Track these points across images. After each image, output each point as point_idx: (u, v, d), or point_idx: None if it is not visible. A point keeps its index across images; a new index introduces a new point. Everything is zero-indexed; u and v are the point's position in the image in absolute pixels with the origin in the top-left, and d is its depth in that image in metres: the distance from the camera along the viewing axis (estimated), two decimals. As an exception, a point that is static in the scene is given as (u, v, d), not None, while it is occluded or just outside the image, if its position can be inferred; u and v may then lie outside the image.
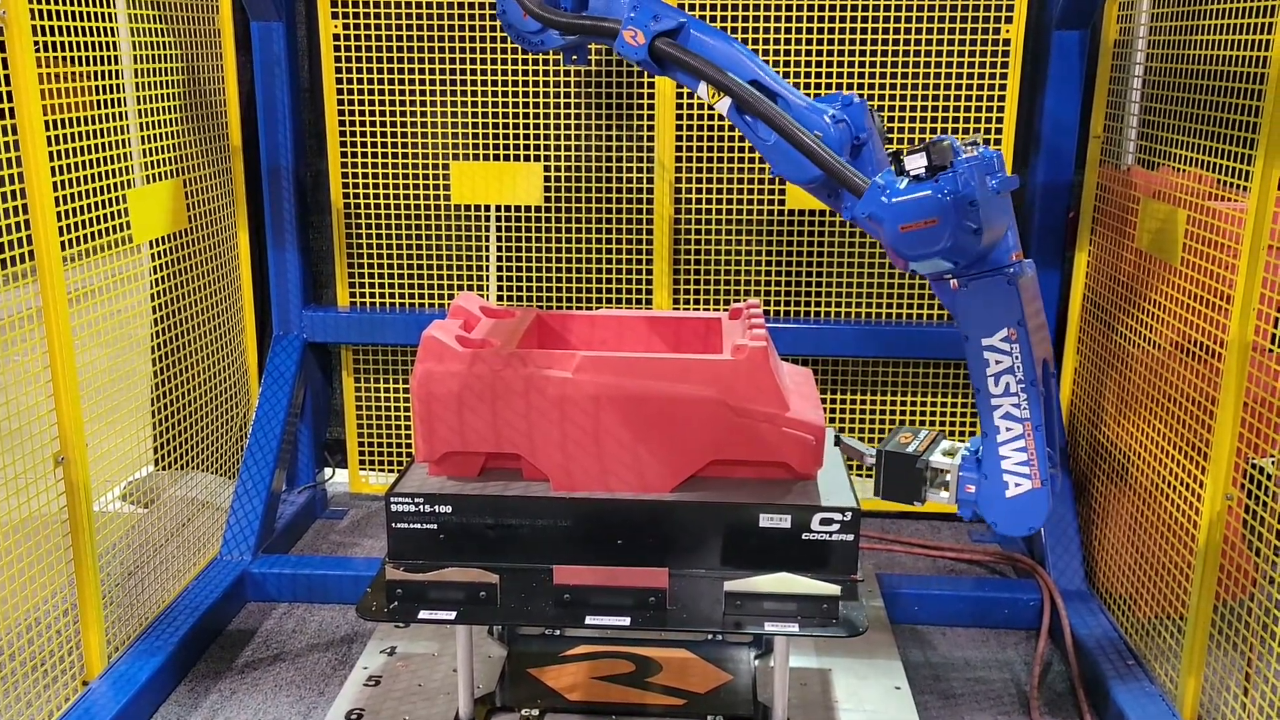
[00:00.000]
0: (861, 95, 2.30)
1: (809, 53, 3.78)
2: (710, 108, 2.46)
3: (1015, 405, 2.19)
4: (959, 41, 3.75)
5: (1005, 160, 3.80)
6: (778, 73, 3.75)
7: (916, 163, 2.07)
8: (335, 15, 3.87)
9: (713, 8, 3.77)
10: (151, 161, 3.24)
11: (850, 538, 2.37)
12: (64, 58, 2.79)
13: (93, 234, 2.87)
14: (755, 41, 3.78)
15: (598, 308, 4.01)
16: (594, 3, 2.55)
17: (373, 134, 3.98)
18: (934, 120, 3.82)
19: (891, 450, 2.43)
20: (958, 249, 2.09)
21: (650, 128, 3.90)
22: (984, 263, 2.15)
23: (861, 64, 3.78)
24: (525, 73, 3.89)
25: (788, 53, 3.78)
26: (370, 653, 2.96)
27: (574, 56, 2.88)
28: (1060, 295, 3.88)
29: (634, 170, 3.95)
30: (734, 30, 3.78)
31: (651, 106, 3.88)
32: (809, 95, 3.64)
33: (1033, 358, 2.18)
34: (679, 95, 3.84)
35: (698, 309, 4.04)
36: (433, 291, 4.12)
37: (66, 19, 2.78)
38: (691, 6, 3.77)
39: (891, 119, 3.83)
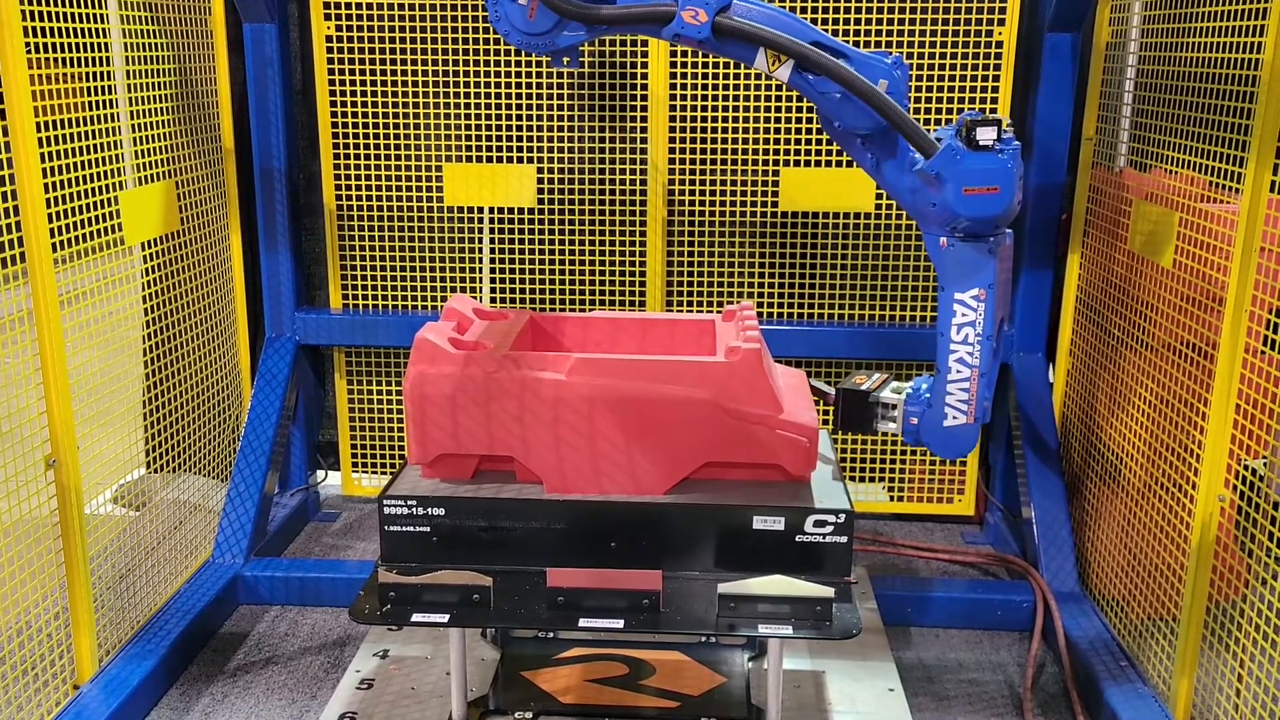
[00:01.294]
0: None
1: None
2: (767, 77, 2.64)
3: (970, 353, 2.51)
4: (951, 43, 3.76)
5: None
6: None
7: (988, 134, 2.34)
8: (328, 17, 3.87)
9: None
10: (144, 163, 3.23)
11: (844, 540, 2.37)
12: (56, 59, 2.78)
13: (85, 235, 2.86)
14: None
15: (591, 310, 4.01)
16: None
17: (365, 136, 3.97)
18: (927, 122, 3.82)
19: (847, 388, 2.73)
20: (1009, 214, 2.41)
21: (643, 130, 3.90)
22: (986, 228, 2.44)
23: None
24: (518, 74, 3.89)
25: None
26: (363, 656, 2.95)
27: (566, 59, 2.86)
28: (1053, 296, 3.88)
29: (627, 172, 3.95)
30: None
31: (644, 108, 3.88)
32: (800, 99, 3.64)
33: (994, 316, 2.49)
34: (672, 97, 3.84)
35: (691, 311, 4.04)
36: (426, 294, 4.11)
37: (58, 20, 2.77)
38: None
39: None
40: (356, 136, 3.97)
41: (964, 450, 2.63)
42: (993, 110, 3.79)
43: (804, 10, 3.73)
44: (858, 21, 3.74)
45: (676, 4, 2.42)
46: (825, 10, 3.73)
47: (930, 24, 3.75)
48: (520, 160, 3.96)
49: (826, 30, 3.72)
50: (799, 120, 3.84)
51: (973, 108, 3.79)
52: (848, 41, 3.72)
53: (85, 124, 2.89)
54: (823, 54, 2.42)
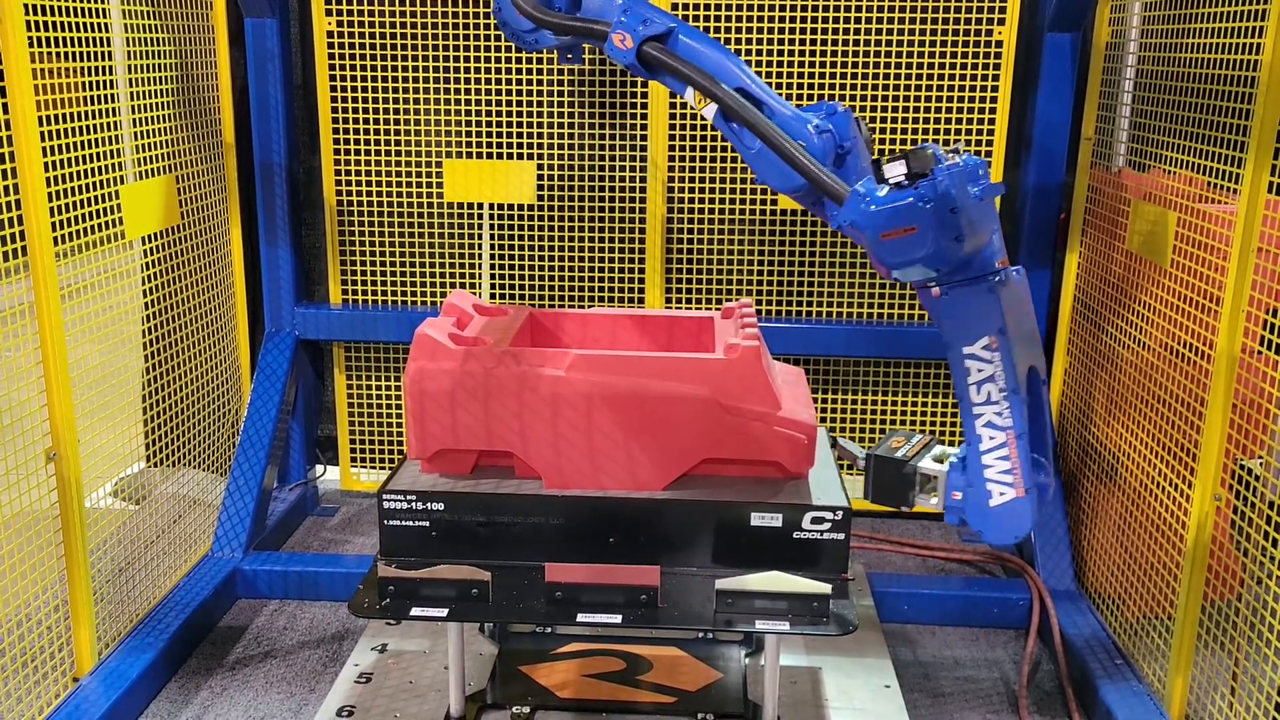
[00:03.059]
0: (849, 104, 2.27)
1: (801, 54, 3.79)
2: (698, 114, 2.46)
3: (998, 413, 2.19)
4: (951, 43, 3.77)
5: (996, 165, 3.84)
6: (770, 73, 3.79)
7: (896, 170, 2.09)
8: (329, 12, 3.87)
9: (704, 8, 3.77)
10: (144, 157, 3.23)
11: (841, 537, 2.38)
12: (58, 53, 2.79)
13: (85, 229, 2.87)
14: (747, 43, 3.79)
15: (590, 306, 4.02)
16: (588, 4, 2.55)
17: (366, 131, 3.98)
18: (926, 122, 3.83)
19: (881, 455, 2.45)
20: (938, 256, 2.09)
21: (643, 127, 3.91)
22: (967, 269, 2.15)
23: (854, 66, 3.79)
24: (519, 71, 3.89)
25: (779, 54, 3.79)
26: (361, 650, 2.96)
27: (569, 56, 2.89)
28: (1051, 297, 3.89)
29: (627, 169, 3.96)
30: (725, 33, 3.79)
31: (645, 106, 3.88)
32: (799, 98, 3.66)
33: (1014, 366, 2.18)
34: (672, 95, 3.85)
35: (690, 308, 4.05)
36: (425, 289, 4.12)
37: (60, 14, 2.77)
38: (684, 8, 3.78)
39: (884, 121, 3.84)
40: (357, 132, 3.98)
41: (1019, 532, 2.26)
42: (991, 111, 3.80)
43: (805, 13, 3.74)
44: (858, 22, 3.75)
45: (611, 25, 2.43)
46: (825, 11, 3.74)
47: (930, 24, 3.75)
48: (520, 156, 3.96)
49: (825, 33, 3.75)
50: (799, 118, 3.85)
51: (971, 109, 3.81)
52: (845, 44, 3.75)
53: (86, 118, 2.89)
54: (739, 100, 2.29)
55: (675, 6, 3.77)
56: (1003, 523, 2.25)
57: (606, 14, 2.48)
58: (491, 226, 4.05)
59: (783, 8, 3.75)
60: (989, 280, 2.16)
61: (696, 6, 3.77)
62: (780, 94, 3.78)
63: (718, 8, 3.77)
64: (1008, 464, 2.20)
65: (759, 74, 3.77)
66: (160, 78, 3.32)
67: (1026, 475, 2.20)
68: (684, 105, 3.86)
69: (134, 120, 3.19)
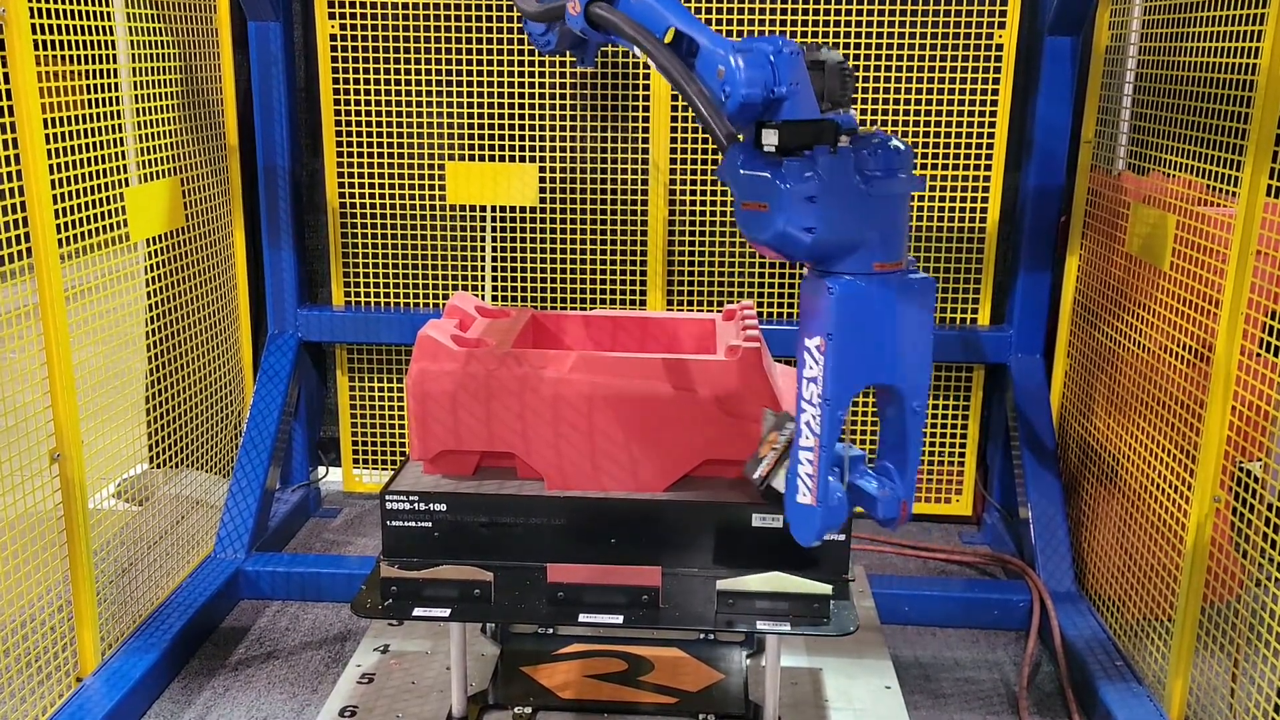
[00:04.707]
0: (804, 44, 1.96)
1: (803, 56, 3.79)
2: (645, 65, 2.35)
3: (814, 418, 1.99)
4: (952, 46, 3.78)
5: (996, 167, 3.84)
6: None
7: (769, 139, 1.87)
8: (332, 15, 3.88)
9: (705, 11, 3.79)
10: (148, 160, 3.25)
11: (842, 538, 2.39)
12: (62, 56, 2.80)
13: (90, 231, 2.88)
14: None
15: (592, 308, 4.03)
16: None
17: (369, 134, 3.99)
18: (927, 124, 3.84)
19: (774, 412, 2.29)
20: (785, 244, 1.90)
21: (645, 129, 3.92)
22: (829, 263, 1.93)
23: (855, 68, 3.80)
24: (521, 74, 3.91)
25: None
26: (363, 650, 2.97)
27: (580, 58, 2.90)
28: (1051, 298, 3.90)
29: (629, 171, 3.97)
30: (728, 36, 3.80)
31: (647, 108, 3.90)
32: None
33: (838, 378, 1.96)
34: (674, 96, 3.86)
35: (692, 310, 4.06)
36: (428, 291, 4.13)
37: (65, 18, 2.79)
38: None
39: (884, 123, 3.85)
40: (360, 134, 3.99)
41: (806, 538, 2.08)
42: (992, 114, 3.81)
43: (802, 16, 3.75)
44: (858, 24, 3.76)
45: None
46: (826, 13, 3.75)
47: (931, 27, 3.76)
48: (522, 159, 3.97)
49: (825, 36, 3.76)
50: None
51: (971, 111, 3.82)
52: (845, 47, 3.76)
53: (91, 121, 2.91)
54: (657, 45, 2.09)
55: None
56: (798, 521, 2.10)
57: None
58: (493, 229, 4.07)
59: (785, 12, 3.77)
60: (829, 281, 1.93)
61: (700, 8, 3.78)
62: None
63: (720, 12, 3.78)
64: (811, 469, 2.03)
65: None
66: (164, 81, 3.34)
67: (822, 488, 2.03)
68: (686, 107, 3.87)
69: (138, 123, 3.20)
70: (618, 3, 2.28)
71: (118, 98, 3.09)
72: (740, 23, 3.79)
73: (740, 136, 1.99)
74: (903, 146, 1.94)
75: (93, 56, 2.94)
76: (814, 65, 1.95)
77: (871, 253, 1.93)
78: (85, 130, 2.87)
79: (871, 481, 2.11)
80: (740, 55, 1.89)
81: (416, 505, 2.42)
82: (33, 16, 2.62)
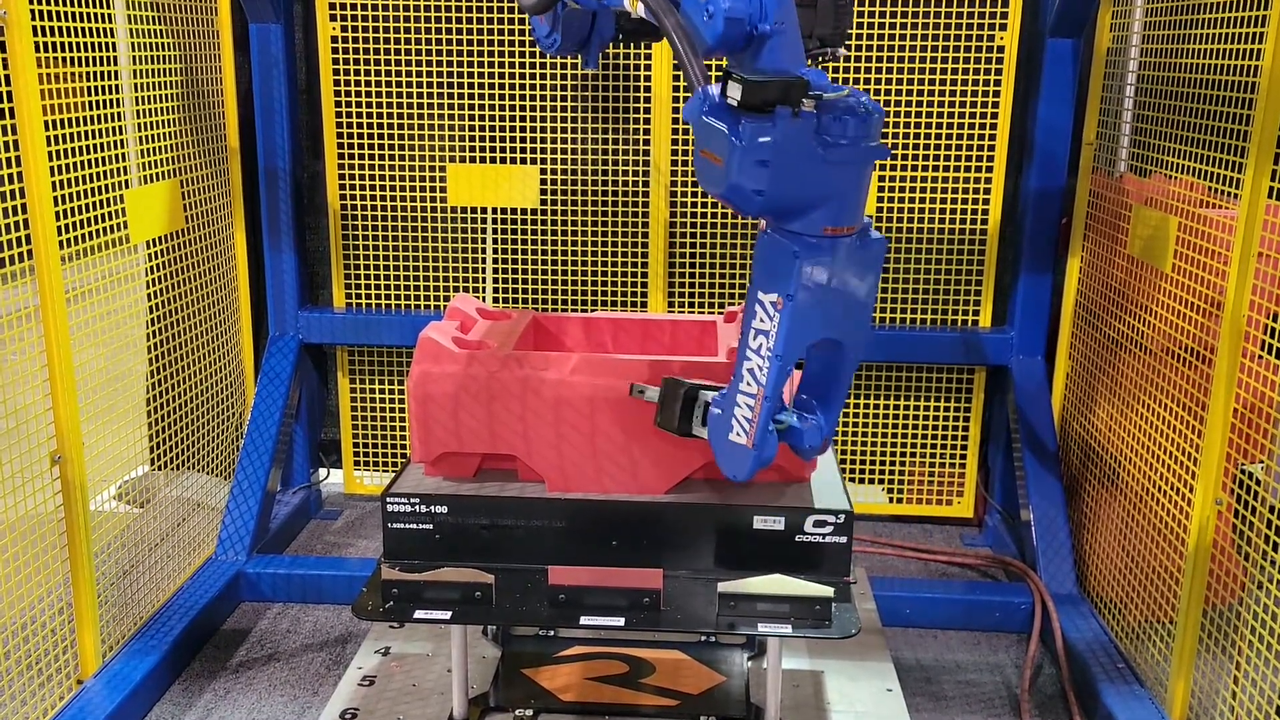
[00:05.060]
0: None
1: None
2: (639, 19, 2.26)
3: (759, 367, 2.03)
4: (953, 49, 3.78)
5: (997, 169, 3.84)
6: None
7: (733, 93, 1.82)
8: (333, 18, 3.89)
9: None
10: (149, 162, 3.25)
11: (843, 540, 2.38)
12: (63, 58, 2.80)
13: (90, 233, 2.88)
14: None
15: (593, 310, 4.03)
16: None
17: (370, 136, 3.99)
18: (928, 126, 3.84)
19: (671, 379, 2.30)
20: (735, 198, 1.89)
21: (646, 131, 3.92)
22: (782, 221, 1.93)
23: (856, 72, 3.80)
24: (522, 75, 3.91)
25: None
26: (364, 653, 2.96)
27: (585, 59, 2.89)
28: (1052, 300, 3.90)
29: (630, 173, 3.97)
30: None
31: (648, 110, 3.90)
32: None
33: (792, 335, 1.99)
34: (675, 98, 3.86)
35: (693, 312, 4.06)
36: (429, 293, 4.13)
37: (66, 20, 2.79)
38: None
39: (885, 125, 3.85)
40: (360, 136, 3.99)
41: (737, 474, 2.15)
42: (993, 116, 3.81)
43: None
44: (859, 26, 3.76)
45: None
46: (828, 14, 3.75)
47: (932, 29, 3.76)
48: (523, 161, 3.97)
49: (829, 34, 3.76)
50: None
51: (973, 113, 3.82)
52: (846, 49, 3.76)
53: (91, 122, 2.91)
54: None
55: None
56: (730, 458, 2.16)
57: None
58: (494, 230, 4.07)
59: None
60: (801, 241, 1.93)
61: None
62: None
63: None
64: (750, 414, 2.08)
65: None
66: (165, 83, 3.34)
67: (760, 434, 2.08)
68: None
69: (139, 125, 3.20)
70: None
71: (118, 99, 3.09)
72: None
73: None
74: (872, 110, 1.88)
75: (93, 58, 2.94)
76: (806, 3, 1.91)
77: (825, 216, 1.91)
78: (86, 132, 2.87)
79: (792, 416, 2.15)
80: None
81: (418, 507, 2.42)
82: (34, 18, 2.62)
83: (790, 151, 1.82)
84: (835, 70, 3.79)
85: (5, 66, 2.56)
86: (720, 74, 1.89)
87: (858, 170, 1.91)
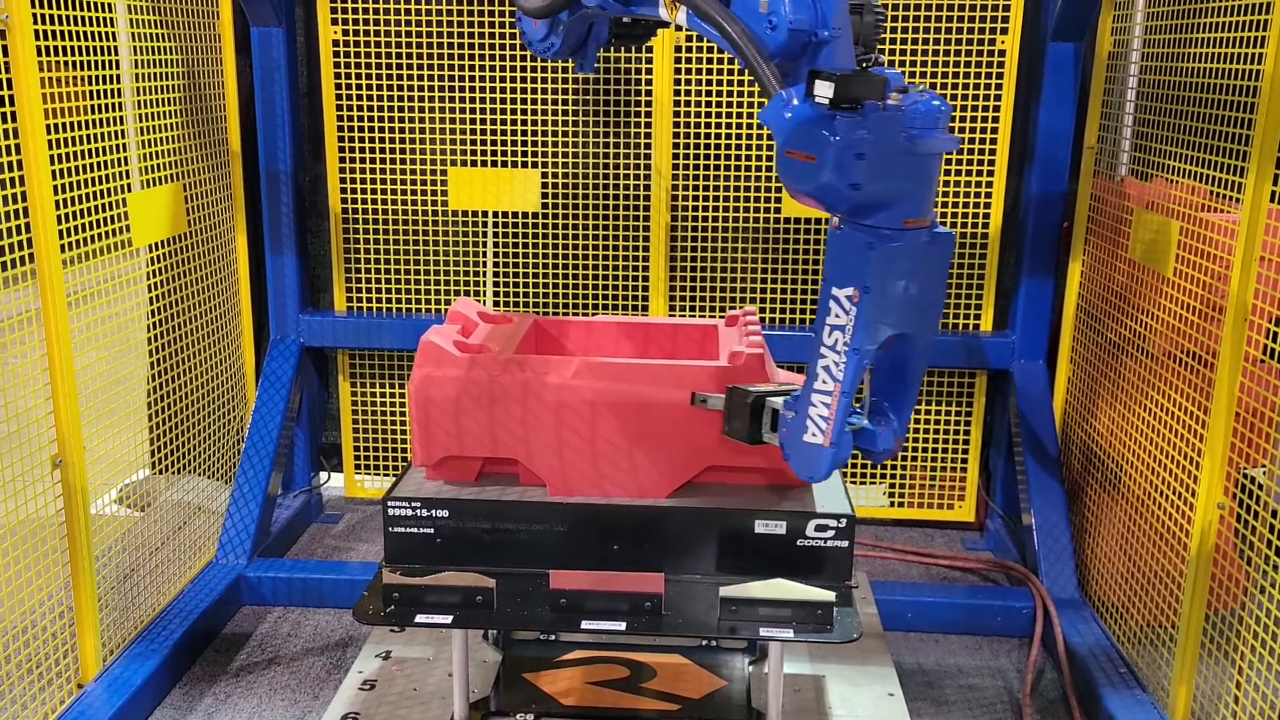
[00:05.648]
0: None
1: (806, 62, 3.80)
2: (676, 27, 2.29)
3: (837, 364, 2.05)
4: (954, 52, 3.78)
5: (999, 173, 3.84)
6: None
7: (824, 91, 1.86)
8: (335, 21, 3.89)
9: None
10: (151, 165, 3.25)
11: (845, 544, 2.38)
12: (65, 61, 2.80)
13: (92, 237, 2.88)
14: (753, 50, 3.80)
15: (595, 314, 4.02)
16: None
17: (371, 139, 3.99)
18: (930, 130, 3.84)
19: (736, 387, 2.31)
20: (828, 195, 1.93)
21: (648, 135, 3.92)
22: (863, 216, 1.97)
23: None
24: (523, 79, 3.91)
25: (785, 62, 3.80)
26: (365, 657, 2.96)
27: (581, 64, 2.89)
28: (1054, 304, 3.90)
29: (631, 177, 3.97)
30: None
31: (649, 114, 3.90)
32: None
33: (869, 328, 2.02)
34: (676, 102, 3.86)
35: (694, 316, 4.05)
36: (430, 297, 4.13)
37: (68, 23, 2.79)
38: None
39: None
40: (362, 139, 3.99)
41: (815, 475, 2.16)
42: (995, 120, 3.81)
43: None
44: (861, 29, 3.76)
45: None
46: (829, 18, 3.75)
47: (934, 33, 3.76)
48: (525, 164, 3.98)
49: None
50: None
51: (974, 117, 3.82)
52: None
53: (93, 126, 2.91)
54: None
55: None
56: (806, 460, 2.16)
57: None
58: (496, 234, 4.07)
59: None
60: (877, 233, 1.98)
61: (700, 16, 3.79)
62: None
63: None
64: (827, 411, 2.09)
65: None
66: (166, 86, 3.34)
67: (837, 430, 2.10)
68: (688, 113, 3.87)
69: (140, 128, 3.20)
70: None
71: (120, 103, 3.09)
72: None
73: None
74: (942, 104, 1.95)
75: (95, 61, 2.94)
76: (854, 9, 1.97)
77: (906, 208, 1.97)
78: (88, 135, 2.87)
79: (863, 419, 2.18)
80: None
81: (419, 511, 2.42)
82: (36, 21, 2.62)
83: (882, 143, 1.87)
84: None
85: (7, 70, 2.56)
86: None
87: (935, 160, 1.99)
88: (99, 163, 2.91)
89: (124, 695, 2.87)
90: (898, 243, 1.97)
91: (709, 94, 3.87)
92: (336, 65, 3.93)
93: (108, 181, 2.96)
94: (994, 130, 3.83)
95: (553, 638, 2.96)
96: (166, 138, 3.33)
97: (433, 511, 2.41)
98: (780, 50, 1.92)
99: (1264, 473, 2.53)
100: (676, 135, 3.90)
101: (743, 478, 2.52)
